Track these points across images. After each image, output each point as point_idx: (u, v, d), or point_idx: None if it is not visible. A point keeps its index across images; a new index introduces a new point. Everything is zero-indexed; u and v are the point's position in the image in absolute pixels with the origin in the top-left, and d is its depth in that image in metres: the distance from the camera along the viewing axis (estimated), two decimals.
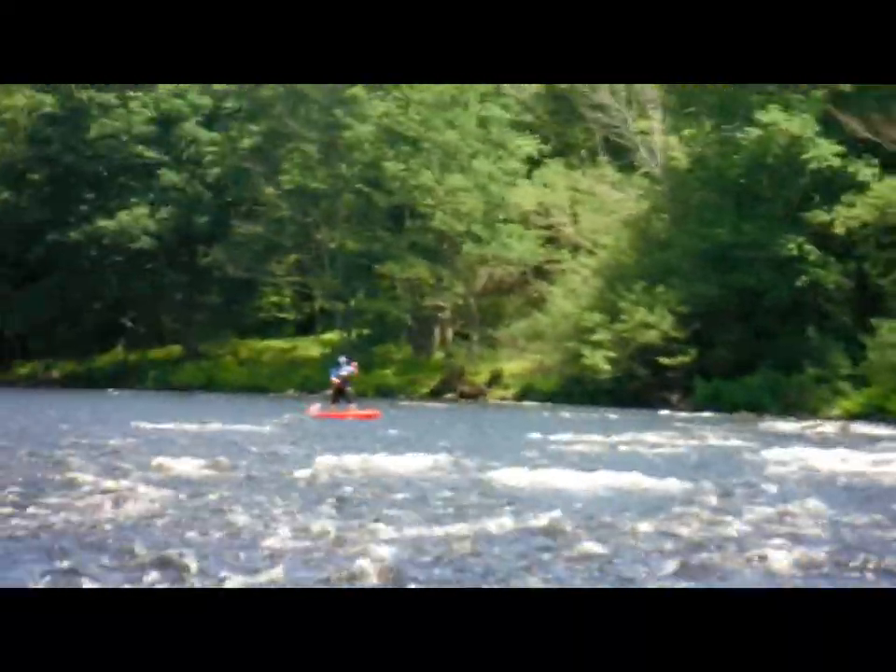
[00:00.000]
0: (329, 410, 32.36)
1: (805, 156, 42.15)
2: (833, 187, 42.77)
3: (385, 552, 9.50)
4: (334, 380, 33.50)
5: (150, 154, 63.94)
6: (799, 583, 8.86)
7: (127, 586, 5.69)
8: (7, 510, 11.77)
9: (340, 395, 33.14)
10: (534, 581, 8.67)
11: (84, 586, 5.68)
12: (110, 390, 56.39)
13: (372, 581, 8.42)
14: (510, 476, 15.78)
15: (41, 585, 5.67)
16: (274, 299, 67.61)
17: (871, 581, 9.07)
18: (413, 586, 5.55)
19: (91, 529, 10.73)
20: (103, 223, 63.43)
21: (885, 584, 8.96)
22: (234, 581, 8.18)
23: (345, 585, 5.57)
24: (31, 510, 11.86)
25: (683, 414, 39.71)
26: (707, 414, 39.35)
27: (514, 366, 51.96)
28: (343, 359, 34.87)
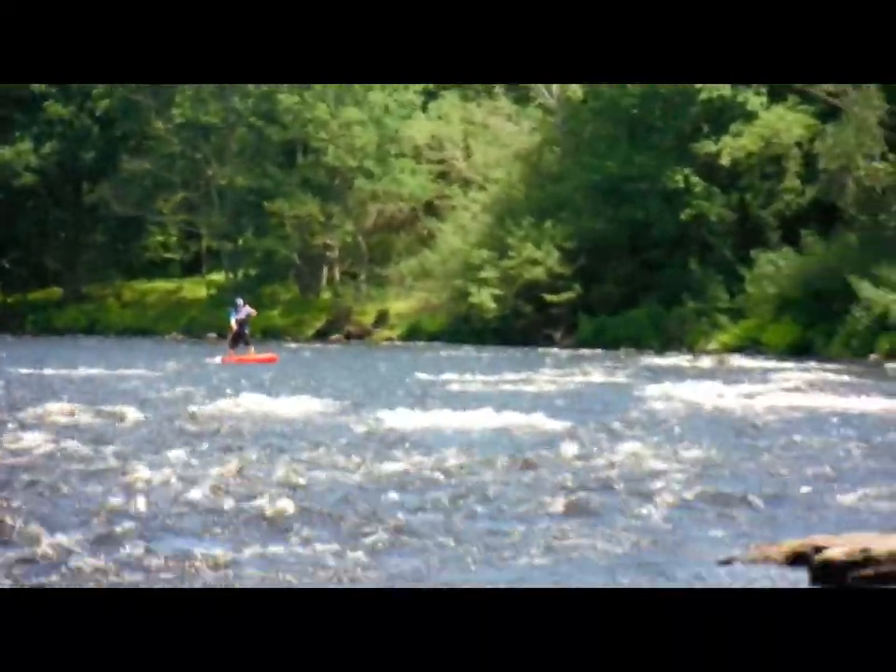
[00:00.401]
0: (229, 354, 31.76)
1: (696, 85, 42.44)
2: (723, 117, 43.31)
3: (285, 496, 9.62)
4: (233, 323, 32.95)
5: (36, 85, 62.19)
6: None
7: (125, 586, 5.71)
8: None
9: (238, 338, 32.59)
10: (419, 521, 8.83)
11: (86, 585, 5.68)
12: None
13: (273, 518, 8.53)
14: (398, 418, 15.89)
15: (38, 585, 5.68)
16: (160, 238, 66.58)
17: (736, 513, 9.40)
18: (413, 586, 5.63)
19: None
20: None
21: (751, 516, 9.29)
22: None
23: (346, 586, 5.64)
24: None
25: (567, 352, 40.23)
26: (589, 351, 39.91)
27: (401, 305, 52.01)
28: (240, 301, 34.28)
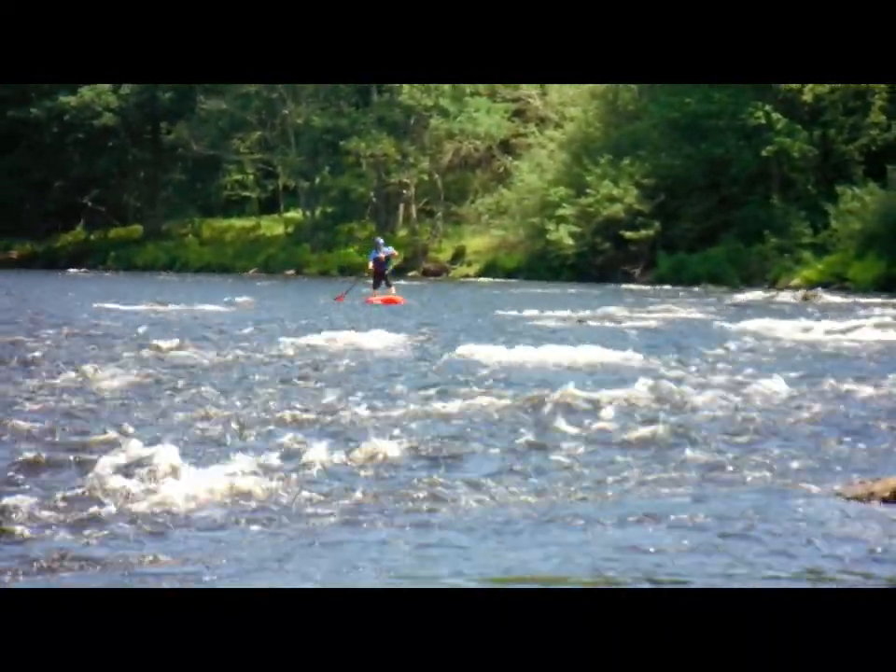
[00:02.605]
0: (373, 295, 30.25)
1: None
2: None
3: (382, 434, 9.72)
4: (370, 264, 31.43)
5: None
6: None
7: (124, 586, 5.82)
8: None
9: (380, 278, 30.83)
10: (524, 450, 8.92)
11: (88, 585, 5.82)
12: (67, 271, 55.96)
13: (378, 460, 8.67)
14: (484, 353, 15.95)
15: (37, 586, 5.81)
16: (238, 177, 66.97)
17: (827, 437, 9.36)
18: (413, 587, 5.70)
19: (64, 410, 10.84)
20: (64, 99, 62.36)
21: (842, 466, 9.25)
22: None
23: (345, 586, 5.72)
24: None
25: (646, 288, 40.01)
26: (669, 287, 39.66)
27: (478, 243, 51.97)
28: (380, 241, 32.72)
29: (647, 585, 5.84)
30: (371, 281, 31.52)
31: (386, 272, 31.07)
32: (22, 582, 5.90)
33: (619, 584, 5.84)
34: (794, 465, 8.76)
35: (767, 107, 42.91)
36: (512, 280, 45.98)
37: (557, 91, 52.92)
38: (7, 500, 7.11)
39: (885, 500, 7.22)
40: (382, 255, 31.06)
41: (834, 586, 5.87)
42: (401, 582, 5.87)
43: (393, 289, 30.85)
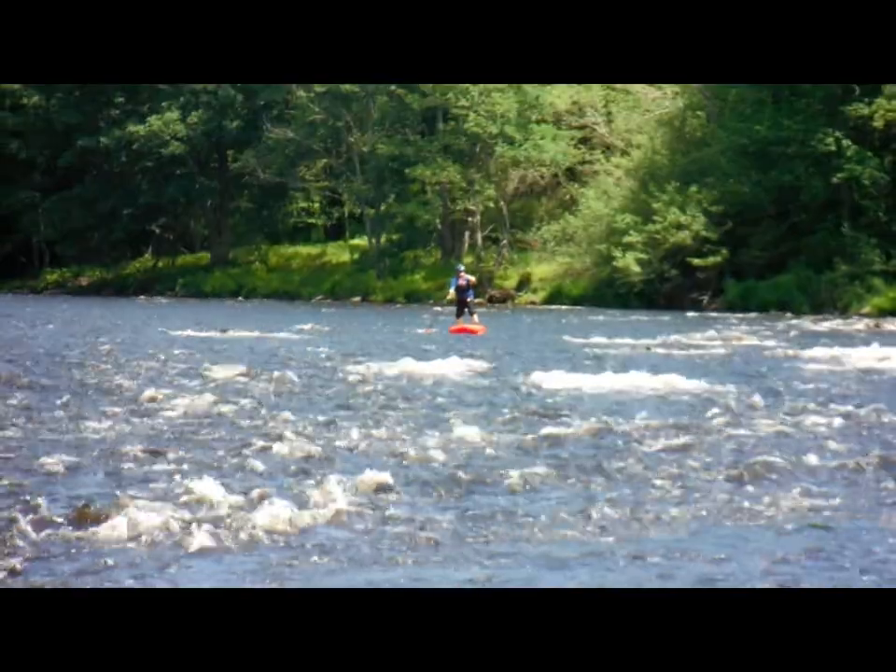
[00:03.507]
0: (457, 324, 28.97)
1: None
2: None
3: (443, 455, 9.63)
4: (451, 292, 30.23)
5: None
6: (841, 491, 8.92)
7: (124, 586, 5.78)
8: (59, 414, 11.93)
9: (463, 307, 29.62)
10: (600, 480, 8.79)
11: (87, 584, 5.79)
12: (137, 298, 56.52)
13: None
14: (551, 380, 15.83)
15: (37, 585, 5.79)
16: (304, 204, 67.43)
17: None
18: (414, 587, 5.63)
19: (142, 436, 10.87)
20: (133, 128, 63.18)
21: None
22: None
23: (346, 586, 5.66)
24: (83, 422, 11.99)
25: (715, 315, 39.67)
26: (738, 315, 39.29)
27: (544, 270, 51.80)
28: (460, 268, 31.35)
29: (646, 586, 5.75)
30: (453, 310, 30.47)
31: (469, 299, 29.79)
32: (23, 583, 5.88)
33: (619, 585, 5.75)
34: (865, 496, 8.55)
35: (838, 134, 42.46)
36: (579, 307, 45.78)
37: (623, 119, 52.76)
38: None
39: None
40: (463, 282, 29.91)
41: (835, 586, 5.75)
42: (402, 582, 5.81)
43: (476, 318, 29.62)
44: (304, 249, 64.93)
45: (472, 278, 31.10)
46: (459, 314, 29.65)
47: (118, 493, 8.00)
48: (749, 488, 8.84)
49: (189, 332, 27.04)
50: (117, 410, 12.54)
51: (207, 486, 7.88)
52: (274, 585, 6.04)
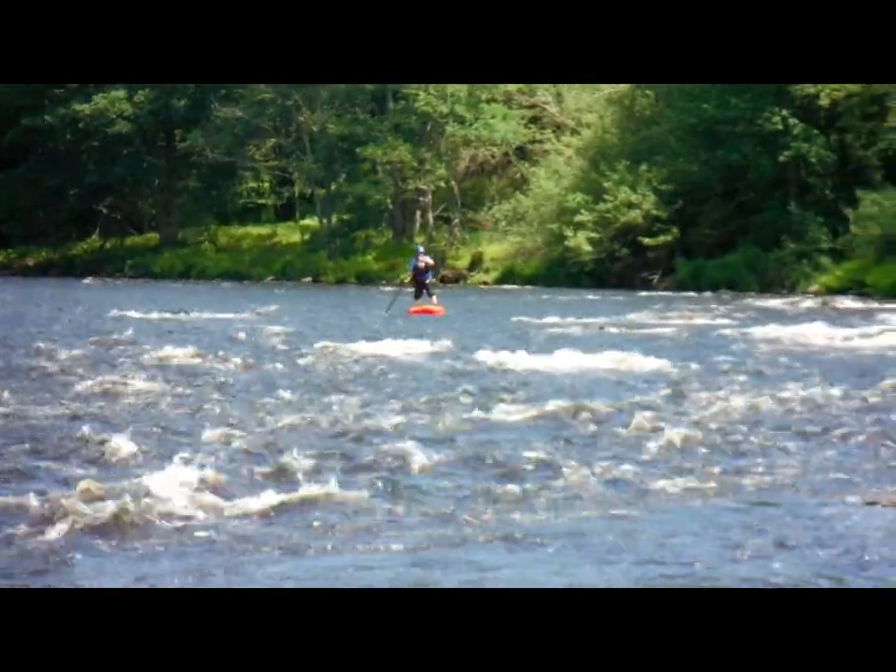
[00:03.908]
0: (416, 306, 28.64)
1: None
2: None
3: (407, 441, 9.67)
4: (409, 272, 30.00)
5: None
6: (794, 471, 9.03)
7: (125, 586, 5.77)
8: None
9: (421, 288, 29.31)
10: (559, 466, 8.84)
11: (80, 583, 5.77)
12: (88, 279, 56.00)
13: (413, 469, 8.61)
14: (507, 360, 15.88)
15: (39, 585, 5.77)
16: (253, 184, 67.01)
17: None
18: (414, 587, 5.64)
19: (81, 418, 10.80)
20: (79, 107, 62.44)
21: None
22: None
23: (346, 586, 5.67)
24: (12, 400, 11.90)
25: (666, 294, 39.93)
26: (688, 294, 39.57)
27: (496, 249, 51.86)
28: (420, 249, 31.14)
29: (647, 586, 5.80)
30: (411, 291, 29.99)
31: (427, 280, 29.45)
32: (22, 583, 5.87)
33: (618, 585, 5.80)
34: (832, 474, 8.66)
35: (784, 112, 42.76)
36: (530, 287, 45.91)
37: (574, 98, 52.85)
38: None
39: None
40: (422, 264, 29.48)
41: (833, 586, 5.82)
42: (401, 583, 5.83)
43: (434, 299, 29.21)
44: (254, 230, 64.55)
45: (430, 260, 30.66)
46: (418, 295, 29.37)
47: (68, 482, 7.95)
48: (705, 464, 8.92)
49: (139, 314, 26.84)
50: (69, 395, 12.44)
51: (169, 473, 7.84)
52: (247, 586, 6.03)
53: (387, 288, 44.19)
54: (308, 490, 7.75)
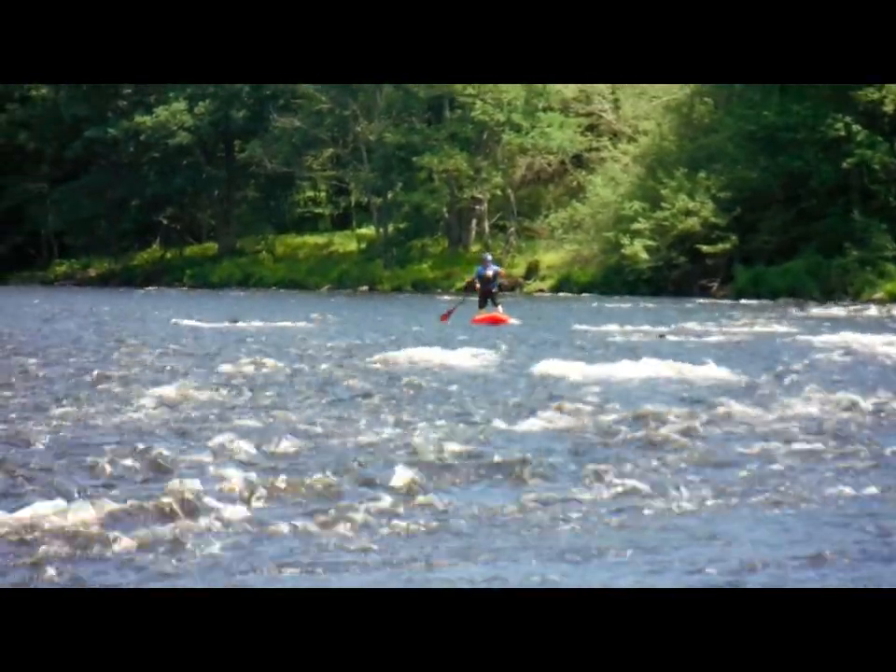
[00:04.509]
0: (480, 314, 27.73)
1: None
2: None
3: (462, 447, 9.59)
4: (476, 282, 28.84)
5: None
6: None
7: (125, 586, 5.75)
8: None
9: (486, 297, 28.34)
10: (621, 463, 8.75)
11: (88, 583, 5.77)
12: (146, 289, 56.50)
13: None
14: (567, 369, 15.77)
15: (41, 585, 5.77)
16: (310, 194, 67.36)
17: None
18: (413, 587, 5.59)
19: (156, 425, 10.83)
20: (141, 119, 63.13)
21: None
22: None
23: (347, 586, 5.64)
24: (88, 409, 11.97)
25: (725, 302, 39.60)
26: (748, 302, 39.22)
27: (552, 257, 51.73)
28: (487, 257, 30.01)
29: (645, 586, 5.73)
30: (476, 299, 28.94)
31: (494, 290, 28.33)
32: (23, 582, 5.87)
33: (616, 586, 5.74)
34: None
35: (847, 119, 42.29)
36: (587, 295, 45.72)
37: (631, 105, 52.65)
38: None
39: None
40: (489, 272, 28.52)
41: (833, 586, 5.72)
42: (401, 583, 5.79)
43: (501, 308, 28.03)
44: (311, 239, 64.89)
45: (500, 269, 29.68)
46: (482, 304, 28.41)
47: (139, 481, 7.96)
48: (770, 474, 8.79)
49: (198, 323, 27.00)
50: (130, 402, 12.50)
51: (235, 479, 7.82)
52: (281, 585, 5.99)
53: (445, 297, 44.21)
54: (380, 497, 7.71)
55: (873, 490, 8.29)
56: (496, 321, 26.91)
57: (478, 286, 28.77)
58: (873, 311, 32.86)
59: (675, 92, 51.37)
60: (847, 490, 8.28)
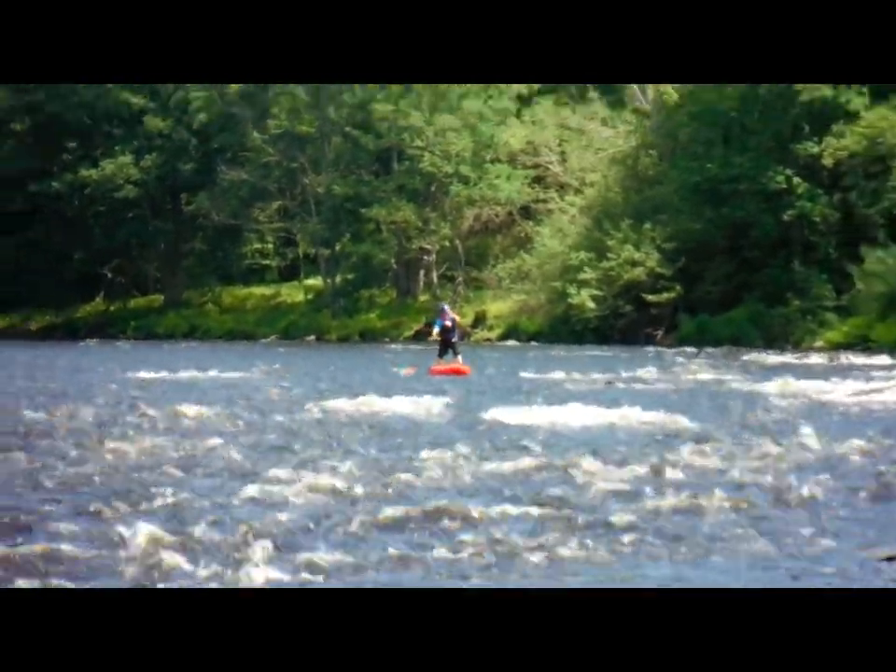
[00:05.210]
0: (437, 363, 27.73)
1: (797, 87, 41.94)
2: (824, 117, 42.74)
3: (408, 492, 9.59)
4: (436, 332, 28.61)
5: (136, 100, 63.26)
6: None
7: (125, 586, 5.74)
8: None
9: (446, 347, 28.05)
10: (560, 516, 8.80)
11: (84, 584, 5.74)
12: (88, 341, 55.91)
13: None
14: (515, 415, 15.85)
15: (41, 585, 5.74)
16: (258, 245, 67.32)
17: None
18: (414, 587, 5.62)
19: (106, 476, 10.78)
20: (86, 172, 62.90)
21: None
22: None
23: (345, 586, 5.65)
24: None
25: (669, 350, 39.94)
26: (692, 349, 39.56)
27: (499, 307, 52.04)
28: (445, 307, 29.82)
29: (644, 586, 5.74)
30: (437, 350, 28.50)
31: (454, 339, 28.18)
32: (24, 583, 5.82)
33: (616, 585, 5.74)
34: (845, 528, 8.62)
35: (788, 171, 43.02)
36: (534, 343, 45.94)
37: (577, 157, 53.24)
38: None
39: None
40: (448, 322, 28.29)
41: (829, 586, 5.76)
42: (401, 583, 5.77)
43: (460, 358, 27.91)
44: (258, 290, 64.80)
45: (458, 318, 29.52)
46: (442, 353, 28.14)
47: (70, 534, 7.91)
48: (710, 520, 8.87)
49: (145, 374, 26.84)
50: (77, 452, 12.43)
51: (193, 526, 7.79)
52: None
53: (393, 346, 44.21)
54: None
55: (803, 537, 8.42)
56: (456, 372, 26.84)
57: (438, 336, 28.47)
58: (814, 359, 33.28)
59: (620, 145, 52.01)
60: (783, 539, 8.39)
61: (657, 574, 6.98)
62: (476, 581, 6.65)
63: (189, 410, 16.50)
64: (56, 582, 6.27)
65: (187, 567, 7.04)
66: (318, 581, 6.79)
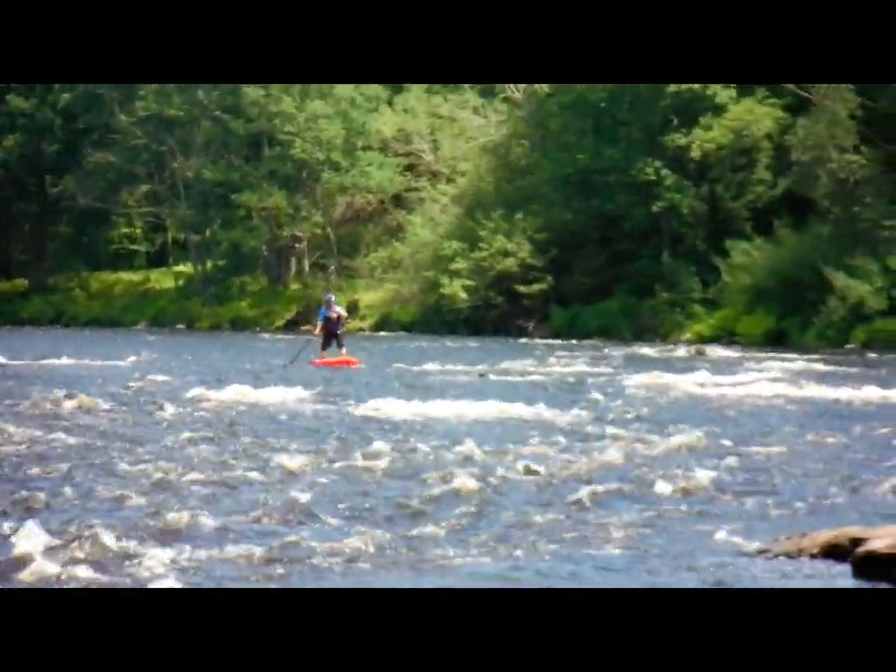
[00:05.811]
0: (321, 356, 26.74)
1: None
2: (692, 110, 43.47)
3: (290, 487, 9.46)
4: (319, 324, 27.42)
5: None
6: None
7: (123, 586, 5.61)
8: None
9: (330, 339, 27.10)
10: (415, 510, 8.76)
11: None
12: None
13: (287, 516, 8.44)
14: (387, 407, 15.78)
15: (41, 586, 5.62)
16: (126, 230, 66.15)
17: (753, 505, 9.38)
18: (413, 587, 5.56)
19: None
20: None
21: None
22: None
23: (346, 585, 5.57)
24: None
25: (541, 341, 40.28)
26: (564, 341, 39.97)
27: (372, 297, 51.93)
28: (330, 297, 28.42)
29: (642, 585, 5.76)
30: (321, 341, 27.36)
31: (339, 331, 27.12)
32: (25, 583, 5.68)
33: (614, 585, 5.75)
34: (714, 523, 8.74)
35: (657, 163, 43.67)
36: (407, 334, 45.95)
37: (449, 146, 53.34)
38: None
39: (813, 556, 7.18)
40: (333, 314, 27.17)
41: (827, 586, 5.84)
42: (401, 583, 5.74)
43: (345, 350, 26.93)
44: (126, 276, 63.70)
45: (343, 312, 28.50)
46: (326, 345, 27.16)
47: None
48: (585, 514, 8.93)
49: (6, 360, 26.11)
50: None
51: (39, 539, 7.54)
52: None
53: (264, 335, 43.80)
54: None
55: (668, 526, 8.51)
56: (342, 364, 26.22)
57: (321, 327, 27.45)
58: (681, 351, 33.85)
59: (492, 134, 52.23)
60: (646, 530, 8.48)
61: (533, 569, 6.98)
62: (469, 583, 6.59)
63: (52, 399, 16.08)
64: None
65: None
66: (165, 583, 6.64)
